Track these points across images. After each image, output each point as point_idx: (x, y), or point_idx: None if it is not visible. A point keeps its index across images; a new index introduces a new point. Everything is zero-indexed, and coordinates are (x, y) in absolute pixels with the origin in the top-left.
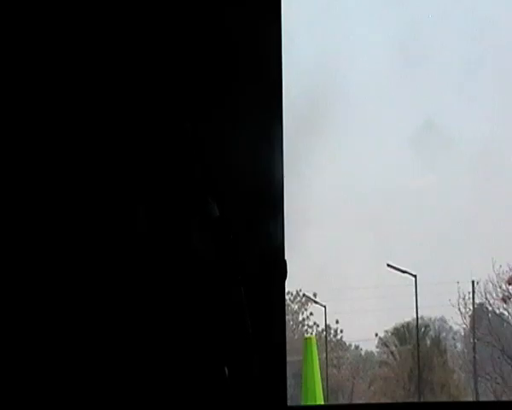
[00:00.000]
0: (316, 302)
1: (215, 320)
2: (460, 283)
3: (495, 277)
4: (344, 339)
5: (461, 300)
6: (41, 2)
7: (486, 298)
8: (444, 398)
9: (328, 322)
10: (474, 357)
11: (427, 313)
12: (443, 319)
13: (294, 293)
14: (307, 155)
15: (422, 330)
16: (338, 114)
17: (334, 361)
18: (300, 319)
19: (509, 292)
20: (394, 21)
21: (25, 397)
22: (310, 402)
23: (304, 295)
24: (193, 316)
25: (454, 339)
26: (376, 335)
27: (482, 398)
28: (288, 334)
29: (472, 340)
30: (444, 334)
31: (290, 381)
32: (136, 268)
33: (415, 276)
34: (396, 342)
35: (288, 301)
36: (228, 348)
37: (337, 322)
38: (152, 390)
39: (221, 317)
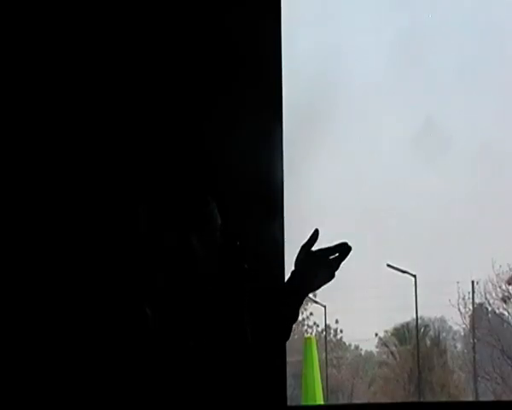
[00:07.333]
0: (316, 302)
1: (213, 325)
2: (460, 283)
3: (495, 277)
4: (344, 339)
5: (461, 300)
6: (42, 1)
7: (486, 298)
8: (444, 398)
9: (328, 322)
10: (474, 357)
11: (427, 313)
12: (443, 319)
13: None
14: (307, 155)
15: (422, 330)
16: (338, 115)
17: (334, 361)
18: (300, 319)
19: (508, 292)
20: (395, 21)
21: (21, 396)
22: (310, 402)
23: None
24: (189, 320)
25: (454, 339)
26: (376, 335)
27: (482, 398)
28: None
29: (472, 340)
30: (444, 334)
31: (290, 381)
32: (137, 268)
33: (415, 276)
34: (396, 343)
35: None
36: (225, 355)
37: (337, 322)
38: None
39: (220, 322)
